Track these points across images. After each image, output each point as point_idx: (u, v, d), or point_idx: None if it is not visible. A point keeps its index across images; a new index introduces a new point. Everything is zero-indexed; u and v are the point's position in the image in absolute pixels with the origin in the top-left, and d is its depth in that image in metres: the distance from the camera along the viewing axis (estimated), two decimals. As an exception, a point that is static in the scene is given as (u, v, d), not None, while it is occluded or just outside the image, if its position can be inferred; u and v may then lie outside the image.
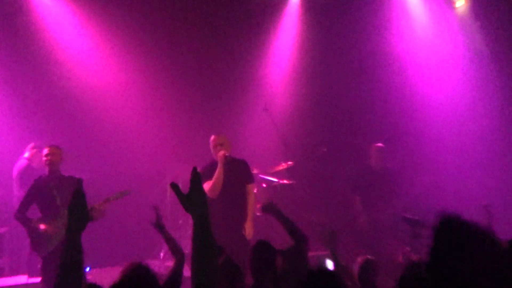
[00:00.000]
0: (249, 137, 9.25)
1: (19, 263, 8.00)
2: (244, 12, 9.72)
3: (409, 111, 9.38)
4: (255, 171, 8.12)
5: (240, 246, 6.18)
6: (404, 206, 7.70)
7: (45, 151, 6.43)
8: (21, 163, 8.02)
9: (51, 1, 9.01)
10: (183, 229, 8.34)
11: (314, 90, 9.84)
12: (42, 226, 6.17)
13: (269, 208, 4.90)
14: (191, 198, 2.27)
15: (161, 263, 8.04)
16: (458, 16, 9.42)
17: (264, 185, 8.56)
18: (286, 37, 10.09)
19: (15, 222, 6.60)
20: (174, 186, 2.29)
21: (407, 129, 9.31)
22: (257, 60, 9.84)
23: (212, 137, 6.75)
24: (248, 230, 6.56)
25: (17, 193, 7.81)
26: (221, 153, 6.54)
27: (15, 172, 8.00)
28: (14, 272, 7.89)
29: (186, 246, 7.92)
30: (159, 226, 4.30)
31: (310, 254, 4.94)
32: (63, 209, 6.14)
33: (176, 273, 3.98)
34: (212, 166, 6.63)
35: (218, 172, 6.54)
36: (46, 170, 6.41)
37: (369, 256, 4.71)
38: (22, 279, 7.22)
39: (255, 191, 7.11)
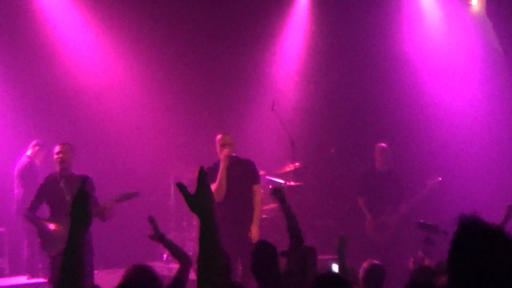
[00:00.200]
0: (256, 137, 9.17)
1: (19, 263, 7.96)
2: (252, 8, 9.63)
3: (420, 112, 9.26)
4: (261, 172, 7.99)
5: (245, 250, 5.96)
6: (411, 208, 7.57)
7: (57, 148, 6.19)
8: (23, 160, 7.97)
9: (51, 0, 8.96)
10: (187, 231, 8.26)
11: (323, 90, 9.73)
12: (52, 226, 6.08)
13: (277, 193, 4.78)
14: (198, 198, 2.23)
15: (164, 265, 7.97)
16: (473, 14, 9.26)
17: (270, 187, 8.41)
18: (295, 34, 9.98)
19: (14, 221, 6.51)
20: (181, 186, 2.24)
21: (418, 131, 9.19)
22: (264, 58, 9.75)
23: (218, 136, 6.62)
24: (254, 233, 6.39)
25: (17, 191, 7.79)
26: (224, 154, 6.38)
27: (16, 169, 7.94)
28: (14, 272, 7.90)
29: (190, 248, 7.86)
30: (159, 237, 4.12)
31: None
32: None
33: (180, 278, 3.83)
34: (216, 166, 6.51)
35: (220, 175, 6.41)
36: (56, 168, 6.20)
37: (375, 261, 4.62)
38: (22, 279, 7.27)
39: (261, 192, 6.96)
